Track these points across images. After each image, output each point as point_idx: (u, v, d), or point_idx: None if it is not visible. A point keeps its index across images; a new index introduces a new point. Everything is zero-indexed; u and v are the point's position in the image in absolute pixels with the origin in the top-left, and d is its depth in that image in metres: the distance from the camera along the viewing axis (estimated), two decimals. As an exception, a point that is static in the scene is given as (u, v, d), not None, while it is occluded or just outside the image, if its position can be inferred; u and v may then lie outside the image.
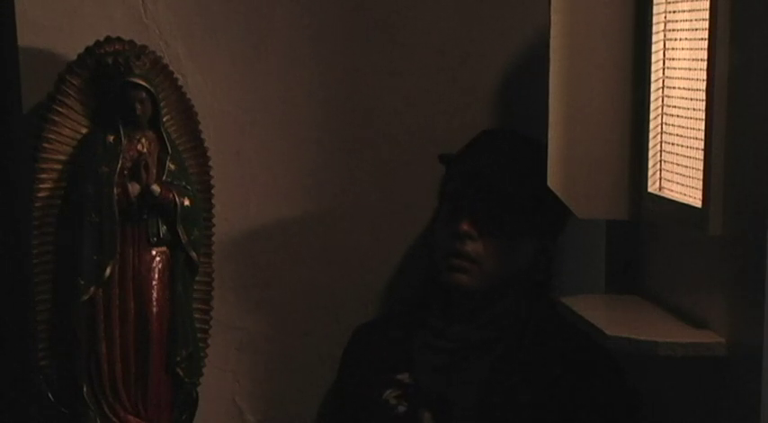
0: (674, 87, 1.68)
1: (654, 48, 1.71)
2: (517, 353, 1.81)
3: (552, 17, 1.76)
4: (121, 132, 1.89)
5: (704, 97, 1.50)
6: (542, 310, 1.87)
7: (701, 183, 1.51)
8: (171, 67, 1.96)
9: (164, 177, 1.90)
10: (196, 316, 1.99)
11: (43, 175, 1.90)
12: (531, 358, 1.80)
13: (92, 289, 1.88)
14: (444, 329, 1.87)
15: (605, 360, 1.77)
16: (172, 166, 1.91)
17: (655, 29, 1.71)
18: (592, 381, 1.78)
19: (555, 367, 1.78)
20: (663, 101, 1.71)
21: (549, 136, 1.77)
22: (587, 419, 1.76)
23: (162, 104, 1.91)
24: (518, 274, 1.86)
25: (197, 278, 1.98)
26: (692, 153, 1.58)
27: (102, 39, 1.91)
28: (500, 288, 1.84)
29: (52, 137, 1.90)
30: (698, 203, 1.53)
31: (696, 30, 1.58)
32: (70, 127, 1.92)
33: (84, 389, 1.90)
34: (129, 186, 1.88)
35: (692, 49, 1.60)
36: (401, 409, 1.84)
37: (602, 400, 1.77)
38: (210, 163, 2.00)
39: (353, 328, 2.03)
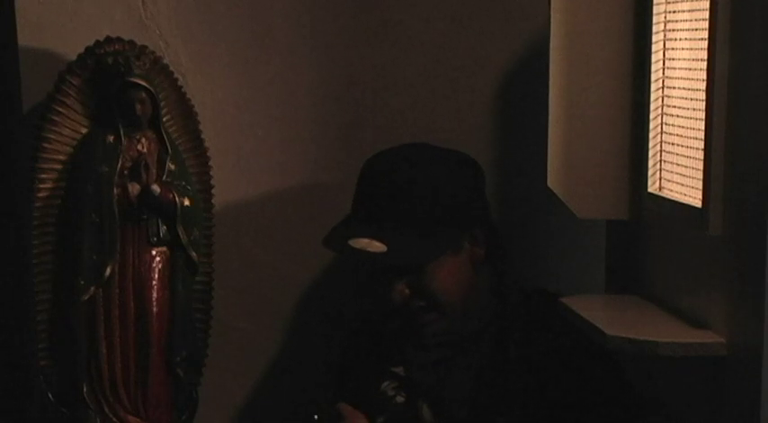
0: (674, 87, 1.68)
1: (654, 48, 1.71)
2: (505, 345, 1.81)
3: (552, 17, 1.76)
4: (121, 132, 1.89)
5: (704, 97, 1.50)
6: (519, 296, 1.86)
7: (701, 183, 1.51)
8: (171, 67, 1.97)
9: (164, 177, 1.90)
10: (196, 316, 2.00)
11: (43, 175, 1.90)
12: (521, 351, 1.80)
13: (92, 289, 1.88)
14: (428, 326, 1.86)
15: (599, 353, 1.76)
16: (172, 166, 1.91)
17: (655, 29, 1.71)
18: (585, 373, 1.78)
19: (546, 360, 1.78)
20: (663, 101, 1.71)
21: (549, 136, 1.77)
22: (582, 413, 1.76)
23: (162, 104, 1.91)
24: (472, 277, 1.84)
25: (197, 278, 1.98)
26: (692, 153, 1.58)
27: (102, 39, 1.91)
28: (470, 297, 1.83)
29: (52, 137, 1.90)
30: (698, 203, 1.53)
31: (696, 30, 1.57)
32: (70, 127, 1.92)
33: (84, 389, 1.90)
34: (129, 186, 1.88)
35: (692, 49, 1.60)
36: (399, 399, 1.84)
37: (596, 393, 1.77)
38: (210, 163, 2.00)
39: (349, 330, 2.03)
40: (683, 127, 1.63)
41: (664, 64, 1.71)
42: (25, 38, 1.82)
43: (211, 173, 2.00)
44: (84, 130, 1.93)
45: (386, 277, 1.79)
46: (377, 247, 1.74)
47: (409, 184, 1.77)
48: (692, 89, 1.59)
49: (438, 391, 1.82)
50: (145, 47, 1.93)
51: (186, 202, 1.91)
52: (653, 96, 1.72)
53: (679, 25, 1.65)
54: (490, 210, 1.89)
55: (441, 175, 1.79)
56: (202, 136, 1.99)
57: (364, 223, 1.78)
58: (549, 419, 1.76)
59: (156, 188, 1.87)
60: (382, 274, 1.79)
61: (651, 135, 1.73)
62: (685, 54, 1.62)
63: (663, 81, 1.71)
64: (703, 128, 1.51)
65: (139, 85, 1.87)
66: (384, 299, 1.79)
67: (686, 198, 1.61)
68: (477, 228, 1.82)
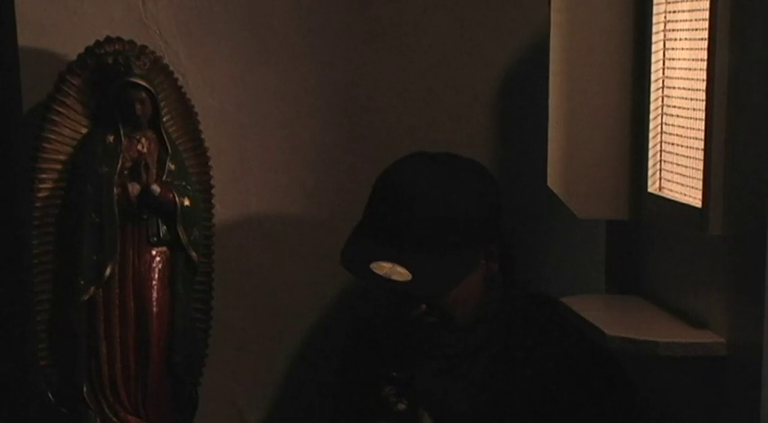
0: (674, 87, 1.68)
1: (654, 48, 1.72)
2: (511, 352, 1.81)
3: (552, 17, 1.76)
4: (121, 132, 1.89)
5: (704, 97, 1.50)
6: (523, 303, 1.86)
7: (700, 183, 1.51)
8: (171, 67, 1.97)
9: (164, 177, 1.90)
10: (196, 316, 1.99)
11: (43, 175, 1.90)
12: (527, 357, 1.80)
13: (92, 289, 1.88)
14: (438, 339, 1.86)
15: (603, 357, 1.77)
16: (172, 166, 1.91)
17: (655, 29, 1.71)
18: (590, 378, 1.78)
19: (551, 365, 1.78)
20: (663, 101, 1.71)
21: (549, 136, 1.77)
22: (586, 417, 1.76)
23: (162, 104, 1.91)
24: (484, 291, 1.82)
25: (197, 278, 1.98)
26: (692, 153, 1.58)
27: (102, 39, 1.91)
28: (481, 308, 1.82)
29: (52, 137, 1.90)
30: (698, 203, 1.53)
31: (696, 30, 1.58)
32: (70, 127, 1.92)
33: (84, 389, 1.90)
34: (129, 186, 1.88)
35: (692, 49, 1.60)
36: (401, 406, 1.84)
37: (601, 397, 1.77)
38: (210, 163, 2.00)
39: (351, 322, 2.03)
40: (683, 127, 1.63)
41: (664, 64, 1.71)
42: (25, 38, 1.82)
43: (211, 173, 2.00)
44: (84, 130, 1.92)
45: (403, 295, 1.76)
46: (400, 274, 1.69)
47: (433, 209, 1.70)
48: (692, 89, 1.59)
49: (441, 400, 1.82)
50: (145, 47, 1.93)
51: (186, 202, 1.91)
52: (653, 96, 1.72)
53: (679, 25, 1.65)
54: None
55: (463, 198, 1.73)
56: (202, 136, 1.99)
57: (384, 244, 1.72)
58: None
59: (156, 188, 1.87)
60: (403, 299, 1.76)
61: (651, 135, 1.73)
62: (685, 54, 1.62)
63: (663, 81, 1.71)
64: (703, 128, 1.51)
65: (139, 85, 1.87)
66: (399, 313, 1.78)
67: (686, 198, 1.61)
68: (493, 243, 1.79)
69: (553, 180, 1.78)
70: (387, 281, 1.69)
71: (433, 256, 1.70)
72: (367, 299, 2.11)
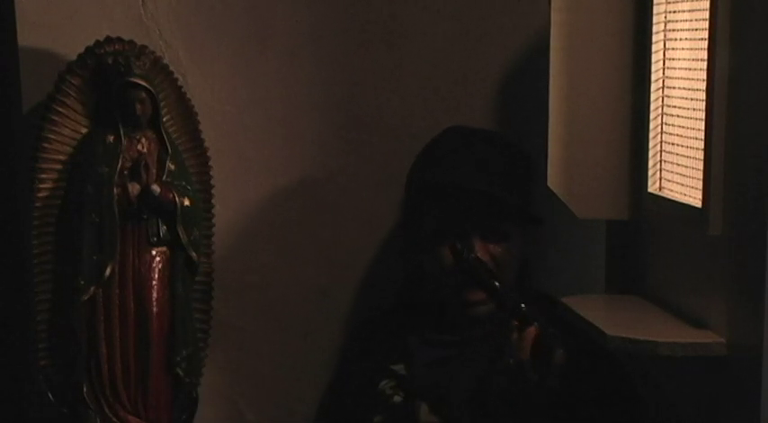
0: (674, 87, 1.68)
1: (654, 48, 1.72)
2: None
3: (552, 17, 1.76)
4: (121, 132, 1.89)
5: (704, 97, 1.50)
6: (532, 296, 1.87)
7: (700, 183, 1.52)
8: (171, 67, 1.97)
9: (164, 177, 1.90)
10: (196, 316, 2.00)
11: (43, 175, 1.90)
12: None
13: (92, 289, 1.88)
14: (442, 326, 1.86)
15: (606, 357, 1.77)
16: (172, 166, 1.91)
17: (655, 29, 1.71)
18: (593, 378, 1.78)
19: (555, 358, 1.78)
20: (663, 101, 1.71)
21: (549, 136, 1.77)
22: (588, 416, 1.76)
23: (162, 104, 1.91)
24: (517, 263, 1.87)
25: (197, 278, 1.98)
26: (692, 153, 1.58)
27: (102, 39, 1.91)
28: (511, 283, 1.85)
29: (52, 137, 1.91)
30: (698, 203, 1.53)
31: (696, 30, 1.58)
32: (70, 127, 1.92)
33: (84, 389, 1.90)
34: (129, 186, 1.88)
35: (692, 49, 1.60)
36: (397, 399, 1.84)
37: (604, 397, 1.77)
38: (210, 163, 2.00)
39: (353, 325, 2.03)
40: (683, 127, 1.63)
41: (664, 64, 1.71)
42: (25, 38, 1.82)
43: (211, 173, 2.00)
44: (84, 130, 1.93)
45: (470, 236, 1.82)
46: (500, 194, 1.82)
47: (520, 159, 1.90)
48: (692, 89, 1.59)
49: (438, 391, 1.82)
50: (145, 47, 1.93)
51: (186, 202, 1.91)
52: (653, 96, 1.72)
53: (679, 25, 1.65)
54: None
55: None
56: (202, 136, 1.99)
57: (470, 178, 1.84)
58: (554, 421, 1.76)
59: (156, 188, 1.87)
60: (472, 231, 1.82)
61: (651, 135, 1.73)
62: (685, 54, 1.62)
63: (663, 81, 1.71)
64: (703, 128, 1.51)
65: (139, 85, 1.87)
66: (462, 255, 1.80)
67: (686, 198, 1.61)
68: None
69: (553, 180, 1.78)
70: (489, 192, 1.81)
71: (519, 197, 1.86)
72: (370, 296, 2.11)
